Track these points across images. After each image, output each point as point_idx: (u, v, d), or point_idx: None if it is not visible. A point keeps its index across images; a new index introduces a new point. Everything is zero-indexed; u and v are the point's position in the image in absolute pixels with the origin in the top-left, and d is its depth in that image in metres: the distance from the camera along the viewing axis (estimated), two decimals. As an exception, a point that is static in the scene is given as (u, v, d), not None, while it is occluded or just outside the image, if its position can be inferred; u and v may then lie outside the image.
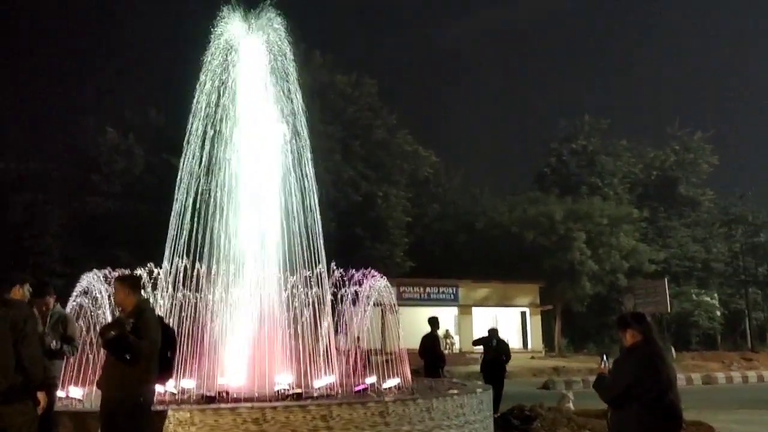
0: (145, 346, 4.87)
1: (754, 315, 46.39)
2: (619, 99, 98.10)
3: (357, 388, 8.46)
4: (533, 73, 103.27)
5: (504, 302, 36.14)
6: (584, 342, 41.75)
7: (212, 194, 9.60)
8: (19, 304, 4.92)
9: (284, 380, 8.06)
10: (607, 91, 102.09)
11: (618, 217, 39.97)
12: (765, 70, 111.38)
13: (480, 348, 14.10)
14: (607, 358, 4.97)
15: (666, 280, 36.35)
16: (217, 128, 9.96)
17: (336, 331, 9.73)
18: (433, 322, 12.22)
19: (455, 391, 7.83)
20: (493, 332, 13.15)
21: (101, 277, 8.28)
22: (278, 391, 7.72)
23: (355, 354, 9.66)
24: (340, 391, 8.49)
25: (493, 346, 12.76)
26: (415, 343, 12.04)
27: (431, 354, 11.89)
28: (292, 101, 10.51)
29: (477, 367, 23.95)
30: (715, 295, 45.24)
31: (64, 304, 7.30)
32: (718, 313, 44.28)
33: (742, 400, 16.43)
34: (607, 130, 48.81)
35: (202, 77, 10.02)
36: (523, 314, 36.78)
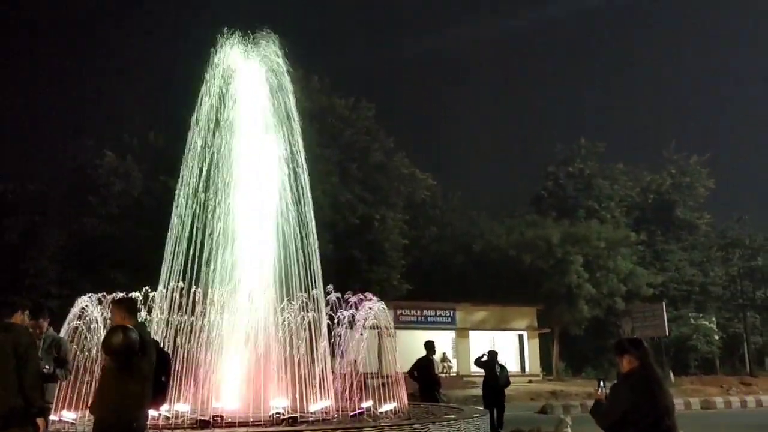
0: (145, 365, 4.84)
1: (752, 339, 46.16)
2: (615, 118, 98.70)
3: (353, 413, 8.39)
4: (530, 93, 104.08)
5: (501, 325, 35.99)
6: (582, 366, 41.51)
7: (209, 217, 9.61)
8: (21, 329, 4.94)
9: (280, 404, 8.00)
10: (605, 103, 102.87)
11: (615, 240, 40.03)
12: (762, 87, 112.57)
13: (477, 370, 14.04)
14: (604, 384, 4.95)
15: (664, 303, 36.26)
16: (215, 152, 10.02)
17: (332, 355, 9.69)
18: (430, 346, 12.18)
19: (452, 416, 7.78)
20: (493, 355, 13.13)
21: (96, 301, 8.25)
22: (273, 415, 7.66)
23: (352, 378, 9.59)
24: (336, 416, 8.42)
25: (498, 372, 12.75)
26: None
27: (426, 377, 11.82)
28: (290, 125, 10.59)
29: (474, 391, 23.82)
30: (713, 319, 45.10)
31: (58, 327, 7.27)
32: (717, 337, 44.10)
33: (741, 426, 16.32)
34: (603, 154, 49.17)
35: (200, 101, 10.09)
36: (521, 337, 36.62)
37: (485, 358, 13.25)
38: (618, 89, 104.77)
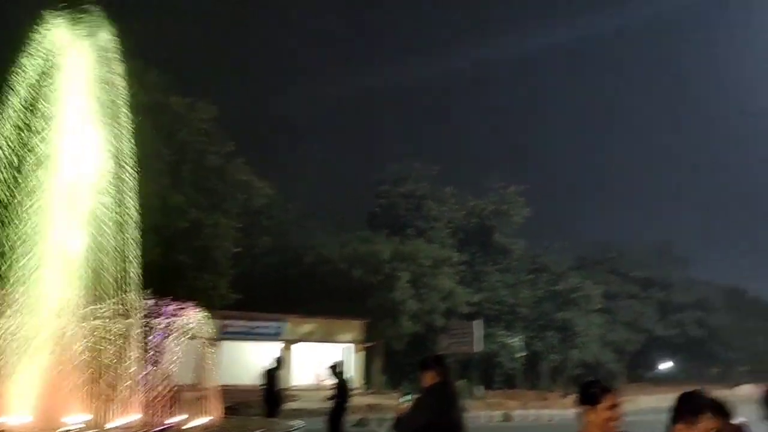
0: None
1: (550, 357, 51.04)
2: (450, 144, 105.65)
3: (159, 428, 8.00)
4: (372, 116, 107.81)
5: (328, 338, 36.32)
6: (402, 379, 43.11)
7: (13, 210, 8.69)
8: None
9: (77, 419, 7.40)
10: (439, 129, 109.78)
11: (440, 259, 42.25)
12: (569, 128, 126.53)
13: (299, 383, 14.17)
14: (410, 398, 5.17)
15: (479, 321, 38.84)
16: (28, 140, 9.10)
17: (144, 365, 9.18)
18: (279, 360, 12.45)
19: (262, 430, 7.72)
20: (341, 365, 13.42)
21: None
22: (66, 431, 7.07)
23: (164, 390, 9.15)
24: (141, 431, 7.96)
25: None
26: (237, 378, 11.83)
27: (270, 388, 11.84)
28: (118, 117, 9.93)
29: (295, 405, 23.72)
30: (520, 337, 49.19)
31: None
32: (520, 354, 48.13)
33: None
34: (435, 177, 51.85)
35: (14, 84, 9.12)
36: (346, 350, 37.19)
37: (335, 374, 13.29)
38: (454, 117, 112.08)
